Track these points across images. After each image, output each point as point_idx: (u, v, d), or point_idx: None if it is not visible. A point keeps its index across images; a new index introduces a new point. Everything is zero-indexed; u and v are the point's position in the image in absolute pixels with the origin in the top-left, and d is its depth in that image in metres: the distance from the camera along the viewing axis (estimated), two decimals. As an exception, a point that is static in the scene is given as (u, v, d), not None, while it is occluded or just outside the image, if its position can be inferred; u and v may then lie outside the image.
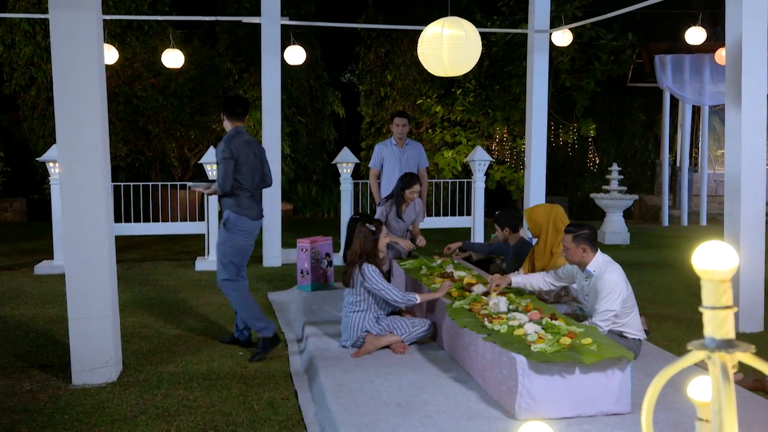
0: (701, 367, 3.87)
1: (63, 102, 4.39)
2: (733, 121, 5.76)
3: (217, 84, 13.59)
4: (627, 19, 13.45)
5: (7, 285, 7.59)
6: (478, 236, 9.27)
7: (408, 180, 6.63)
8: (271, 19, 8.58)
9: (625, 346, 4.29)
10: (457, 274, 5.72)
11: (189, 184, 6.02)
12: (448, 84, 14.44)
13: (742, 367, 4.43)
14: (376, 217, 6.59)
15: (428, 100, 14.49)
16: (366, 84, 15.52)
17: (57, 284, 7.29)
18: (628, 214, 11.99)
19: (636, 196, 11.62)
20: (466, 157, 10.98)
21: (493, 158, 11.53)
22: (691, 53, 13.14)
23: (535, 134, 9.24)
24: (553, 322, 4.23)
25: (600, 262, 4.60)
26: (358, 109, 15.74)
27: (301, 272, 7.17)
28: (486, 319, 4.45)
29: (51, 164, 8.35)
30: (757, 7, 5.64)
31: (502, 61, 13.64)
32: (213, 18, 9.88)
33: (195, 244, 10.03)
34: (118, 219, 8.41)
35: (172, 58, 9.87)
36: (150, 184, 9.71)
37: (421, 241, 6.70)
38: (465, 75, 13.60)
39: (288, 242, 9.16)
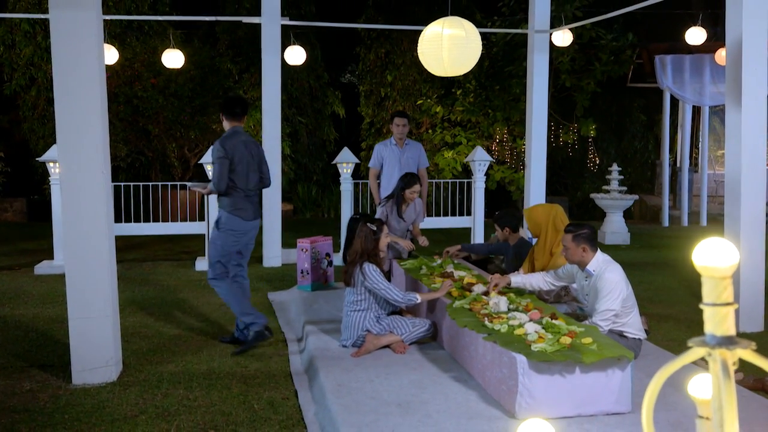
0: (701, 366, 3.87)
1: (63, 102, 4.39)
2: (733, 121, 5.77)
3: (217, 84, 13.59)
4: (627, 20, 13.45)
5: (7, 285, 7.59)
6: (478, 236, 9.26)
7: (408, 180, 6.63)
8: (271, 20, 8.58)
9: (626, 345, 4.29)
10: (458, 273, 5.72)
11: (188, 184, 6.05)
12: (448, 84, 14.45)
13: (743, 366, 4.43)
14: (377, 217, 6.58)
15: (428, 100, 14.49)
16: (366, 84, 15.53)
17: (57, 284, 7.29)
18: (628, 215, 11.99)
19: (636, 197, 11.62)
20: (466, 157, 10.98)
21: (493, 158, 11.53)
22: (691, 53, 13.15)
23: (535, 134, 9.24)
24: (554, 321, 4.23)
25: (600, 262, 4.60)
26: (358, 109, 15.75)
27: (301, 272, 7.17)
28: (486, 318, 4.45)
29: (51, 164, 8.35)
30: (757, 7, 5.64)
31: (502, 62, 13.64)
32: (213, 18, 9.89)
33: (195, 244, 10.03)
34: (118, 219, 8.41)
35: (172, 59, 9.87)
36: (150, 184, 9.70)
37: (424, 241, 6.71)
38: (465, 75, 13.61)
39: (288, 242, 9.16)
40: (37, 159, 9.63)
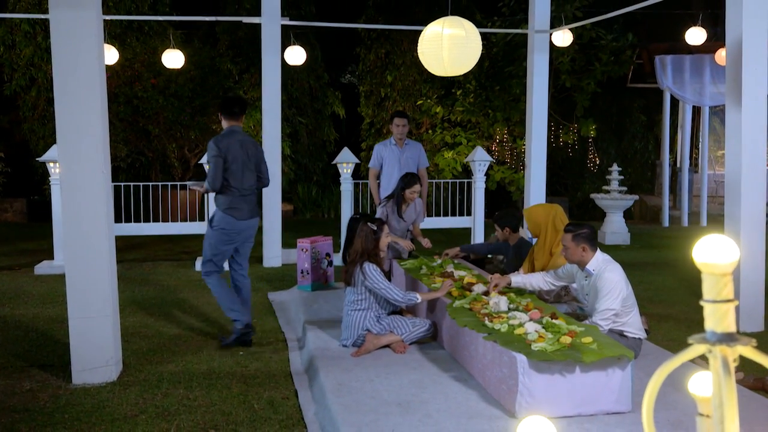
0: (701, 365, 3.87)
1: (63, 101, 4.39)
2: (733, 121, 5.77)
3: (217, 84, 13.60)
4: (627, 20, 13.45)
5: (7, 285, 7.59)
6: (478, 236, 9.27)
7: (408, 180, 6.63)
8: (271, 20, 8.58)
9: (626, 345, 4.29)
10: (458, 273, 5.72)
11: (187, 183, 6.07)
12: (448, 85, 14.45)
13: (743, 366, 4.43)
14: (377, 216, 6.58)
15: (428, 100, 14.49)
16: (366, 85, 15.53)
17: (57, 284, 7.29)
18: (628, 215, 11.99)
19: (636, 197, 11.62)
20: (466, 157, 10.99)
21: (493, 159, 11.53)
22: (692, 54, 13.15)
23: (535, 135, 9.24)
24: (554, 321, 4.23)
25: (600, 261, 4.60)
26: (359, 109, 15.75)
27: (302, 272, 7.17)
28: (486, 318, 4.45)
29: (51, 164, 8.35)
30: (757, 7, 5.64)
31: (502, 62, 13.64)
32: (213, 18, 9.90)
33: (195, 244, 10.03)
34: (118, 219, 8.42)
35: (173, 59, 9.87)
36: (150, 184, 9.71)
37: (427, 243, 6.71)
38: (465, 75, 13.61)
39: (288, 243, 9.16)
40: (37, 159, 9.63)
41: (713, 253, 1.12)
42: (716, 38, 12.66)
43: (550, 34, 9.17)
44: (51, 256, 8.54)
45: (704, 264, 1.12)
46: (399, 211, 6.67)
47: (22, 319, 6.13)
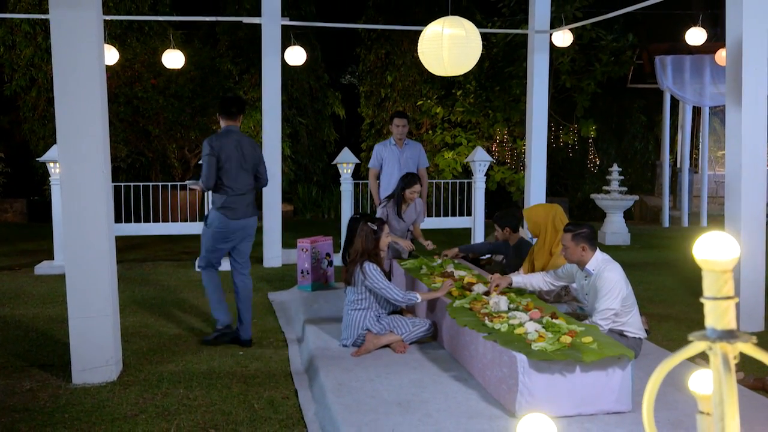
0: (701, 365, 3.87)
1: (63, 102, 4.39)
2: (733, 121, 5.76)
3: (217, 85, 13.60)
4: (627, 20, 13.46)
5: (7, 285, 7.58)
6: (478, 236, 9.27)
7: (408, 180, 6.63)
8: (271, 20, 8.59)
9: (626, 344, 4.29)
10: (458, 273, 5.72)
11: (187, 182, 6.10)
12: (448, 85, 14.45)
13: (743, 366, 4.43)
14: (377, 216, 6.58)
15: (428, 101, 14.49)
16: (366, 85, 15.53)
17: (57, 284, 7.29)
18: (628, 215, 11.99)
19: (636, 197, 11.61)
20: (466, 158, 10.99)
21: (493, 159, 11.54)
22: (692, 54, 13.15)
23: (535, 135, 9.24)
24: (554, 320, 4.23)
25: (599, 261, 4.60)
26: (359, 110, 15.75)
27: (302, 272, 7.17)
28: (486, 318, 4.45)
29: (51, 164, 8.35)
30: (757, 7, 5.64)
31: (502, 62, 13.65)
32: (213, 18, 9.89)
33: (195, 245, 9.99)
34: (118, 219, 8.42)
35: (173, 59, 9.87)
36: (150, 184, 9.72)
37: (430, 245, 6.72)
38: (465, 76, 13.62)
39: (288, 243, 9.16)
40: (37, 159, 9.64)
41: (714, 250, 1.12)
42: (716, 38, 12.67)
43: (550, 35, 9.17)
44: (51, 256, 8.54)
45: (705, 261, 1.12)
46: (399, 211, 6.67)
47: (22, 319, 6.12)
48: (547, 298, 5.53)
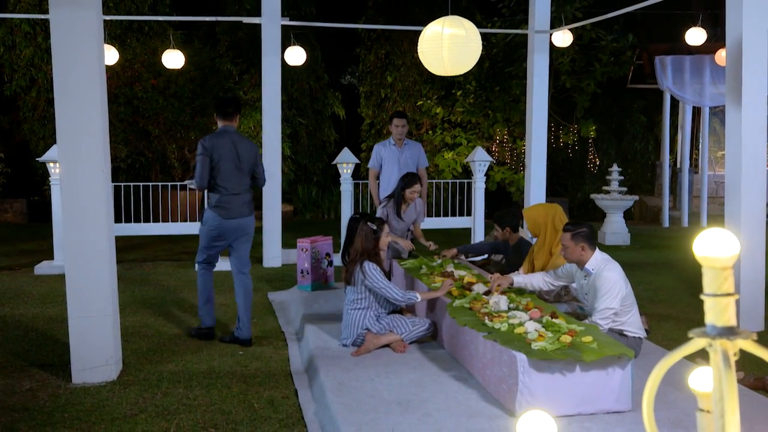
0: (701, 364, 3.86)
1: (63, 102, 4.39)
2: (733, 121, 5.77)
3: (217, 85, 13.60)
4: (627, 21, 13.46)
5: (7, 285, 7.58)
6: (478, 236, 9.27)
7: (408, 180, 6.63)
8: (271, 20, 8.59)
9: (626, 344, 4.29)
10: (458, 273, 5.72)
11: (186, 182, 6.13)
12: (448, 85, 14.45)
13: (743, 366, 4.43)
14: (377, 216, 6.58)
15: (428, 101, 14.49)
16: (366, 85, 15.53)
17: (57, 284, 7.29)
18: (628, 216, 11.99)
19: (636, 197, 11.61)
20: (466, 158, 10.99)
21: (493, 159, 11.54)
22: (692, 54, 13.15)
23: (535, 135, 9.24)
24: (554, 320, 4.23)
25: (599, 261, 4.60)
26: (359, 110, 15.75)
27: (302, 272, 7.17)
28: (486, 317, 4.45)
29: (51, 164, 8.35)
30: (757, 7, 5.64)
31: (502, 63, 13.64)
32: (213, 18, 9.90)
33: (195, 245, 9.92)
34: (118, 219, 8.42)
35: (173, 59, 9.87)
36: (150, 184, 9.72)
37: (432, 245, 6.72)
38: (465, 76, 13.61)
39: (288, 243, 9.16)
40: (37, 159, 9.64)
41: (713, 247, 1.12)
42: (716, 39, 12.66)
43: (550, 35, 9.17)
44: (51, 256, 8.54)
45: (704, 258, 1.12)
46: (399, 211, 6.67)
47: (22, 319, 6.12)
48: (547, 298, 5.53)
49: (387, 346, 4.93)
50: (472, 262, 6.76)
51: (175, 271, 8.44)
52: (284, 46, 9.21)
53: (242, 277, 5.46)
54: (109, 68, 9.15)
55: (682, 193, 13.40)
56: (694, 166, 14.40)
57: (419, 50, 5.46)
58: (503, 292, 4.98)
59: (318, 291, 7.07)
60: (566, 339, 3.88)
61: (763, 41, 5.68)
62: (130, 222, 9.03)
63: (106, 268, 4.52)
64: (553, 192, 14.44)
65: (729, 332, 1.11)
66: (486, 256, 7.01)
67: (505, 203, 14.24)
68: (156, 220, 9.41)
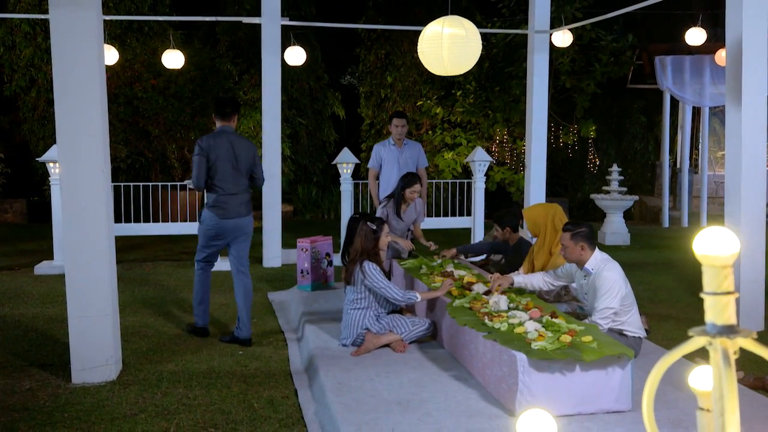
0: (698, 363, 3.86)
1: (63, 102, 4.39)
2: (733, 121, 5.76)
3: (217, 85, 13.60)
4: (627, 21, 13.45)
5: (7, 285, 7.58)
6: (478, 237, 9.27)
7: (408, 180, 6.63)
8: (271, 20, 8.59)
9: (625, 344, 4.29)
10: (458, 273, 5.72)
11: (186, 182, 6.15)
12: (448, 85, 14.44)
13: (743, 365, 4.43)
14: (377, 216, 6.58)
15: (428, 101, 14.49)
16: (366, 85, 15.52)
17: (57, 284, 7.29)
18: (628, 216, 11.99)
19: (636, 197, 11.61)
20: (466, 158, 10.99)
21: (493, 159, 11.54)
22: (691, 54, 13.15)
23: (535, 135, 9.24)
24: (554, 320, 4.23)
25: (598, 260, 4.60)
26: (359, 110, 15.75)
27: (301, 272, 7.17)
28: (486, 317, 4.45)
29: (51, 164, 8.35)
30: (757, 7, 5.64)
31: (502, 63, 13.64)
32: (213, 19, 9.90)
33: (195, 245, 9.92)
34: (118, 219, 8.42)
35: (173, 59, 9.87)
36: (150, 184, 9.72)
37: (432, 245, 6.72)
38: (465, 76, 13.61)
39: (288, 243, 9.16)
40: (37, 159, 9.64)
41: (713, 245, 1.12)
42: (716, 39, 12.66)
43: (550, 35, 9.17)
44: (51, 256, 8.54)
45: (704, 256, 1.12)
46: (399, 211, 6.67)
47: (22, 319, 6.12)
48: (547, 298, 5.53)
49: (387, 345, 4.93)
50: (471, 262, 6.77)
51: (175, 271, 8.44)
52: (284, 46, 9.21)
53: (242, 276, 5.46)
54: (109, 68, 9.15)
55: (682, 193, 13.40)
56: (694, 166, 14.40)
57: (419, 50, 5.46)
58: (503, 292, 4.98)
59: (318, 291, 7.07)
60: (566, 339, 3.88)
61: (763, 41, 5.68)
62: (130, 222, 9.03)
63: (106, 268, 4.52)
64: (553, 192, 14.44)
65: (729, 330, 1.11)
66: (485, 256, 7.01)
67: (505, 203, 14.23)
68: (156, 220, 9.41)
